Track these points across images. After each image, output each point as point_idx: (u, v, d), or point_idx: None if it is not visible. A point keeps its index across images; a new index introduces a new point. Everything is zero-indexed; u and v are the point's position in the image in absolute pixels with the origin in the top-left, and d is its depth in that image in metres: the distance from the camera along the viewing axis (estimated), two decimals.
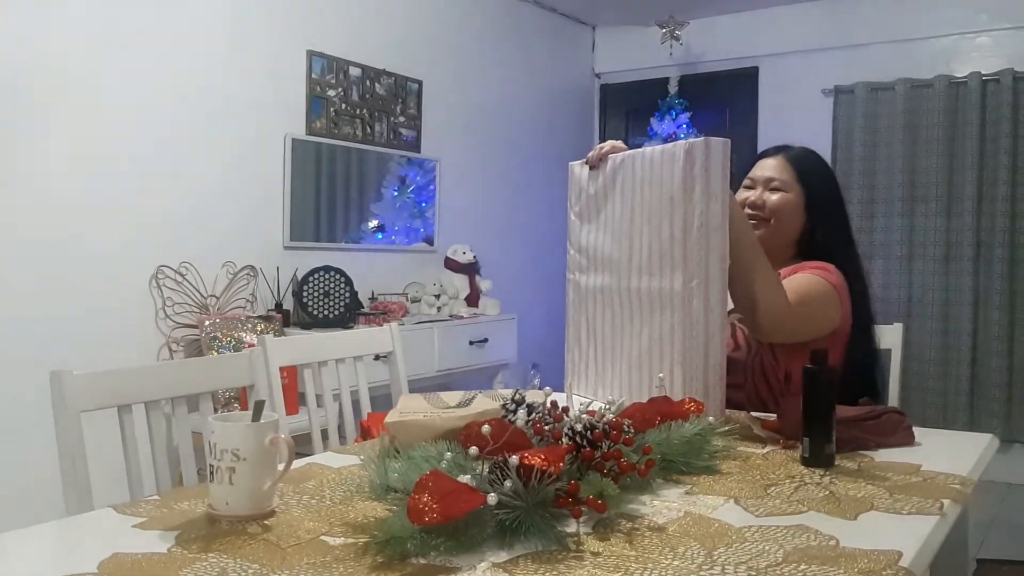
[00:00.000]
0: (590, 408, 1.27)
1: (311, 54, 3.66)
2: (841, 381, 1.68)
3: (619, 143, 1.81)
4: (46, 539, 1.09)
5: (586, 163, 1.85)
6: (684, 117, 5.04)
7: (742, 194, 1.98)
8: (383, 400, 2.04)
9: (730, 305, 1.72)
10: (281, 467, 1.15)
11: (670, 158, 1.64)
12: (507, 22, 4.85)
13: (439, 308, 4.03)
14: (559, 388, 1.64)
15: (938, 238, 4.58)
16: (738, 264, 1.66)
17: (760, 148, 5.44)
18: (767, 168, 1.95)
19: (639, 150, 1.74)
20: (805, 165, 1.95)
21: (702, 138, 1.59)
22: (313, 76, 3.67)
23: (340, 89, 3.79)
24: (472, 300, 4.15)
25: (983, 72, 4.46)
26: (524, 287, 4.78)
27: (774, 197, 1.92)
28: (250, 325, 3.21)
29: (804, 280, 1.82)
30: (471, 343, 3.95)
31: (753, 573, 0.92)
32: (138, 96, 3.05)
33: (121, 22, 3.00)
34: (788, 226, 1.93)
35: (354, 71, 3.86)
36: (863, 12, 4.78)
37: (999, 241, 4.43)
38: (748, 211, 1.93)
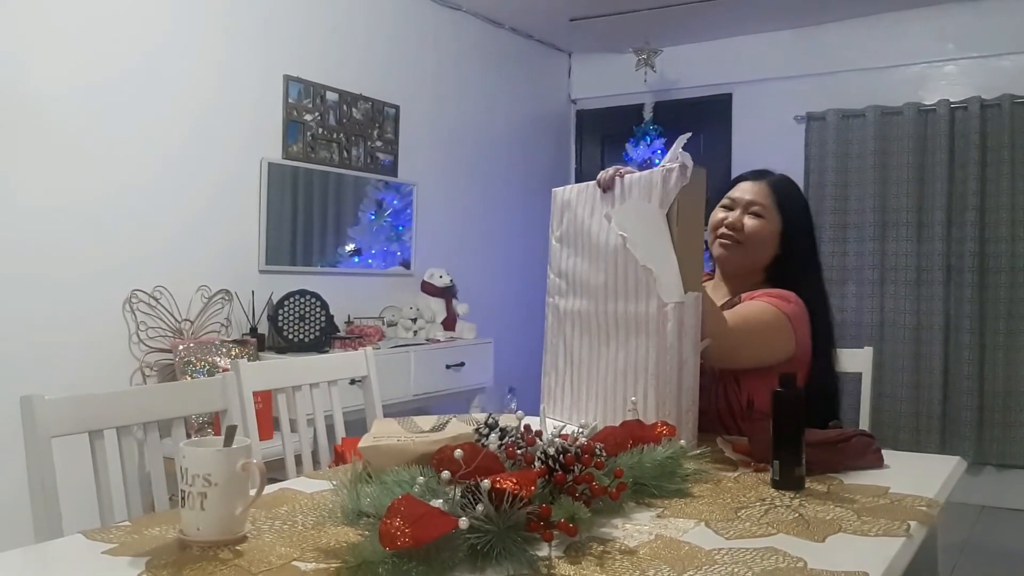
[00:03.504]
0: (563, 432, 1.28)
1: (288, 79, 3.67)
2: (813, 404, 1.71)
3: (628, 168, 1.81)
4: (14, 566, 1.08)
5: (598, 184, 1.81)
6: (659, 143, 5.08)
7: (718, 214, 1.98)
8: (358, 425, 2.04)
9: None
10: (253, 492, 1.14)
11: (648, 184, 1.66)
12: (484, 48, 4.90)
13: (415, 332, 4.03)
14: (535, 412, 1.64)
15: (909, 262, 4.64)
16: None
17: (734, 173, 5.50)
18: (748, 191, 1.95)
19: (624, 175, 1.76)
20: (785, 194, 1.95)
21: (678, 164, 1.61)
22: (290, 100, 3.68)
23: (317, 113, 3.80)
24: (449, 324, 4.16)
25: (951, 100, 4.54)
26: (501, 311, 4.79)
27: (752, 222, 1.92)
28: (224, 349, 3.20)
29: (754, 307, 1.83)
30: (448, 367, 3.95)
31: None
32: (113, 120, 3.04)
33: (95, 48, 2.99)
34: (760, 252, 1.94)
35: (331, 95, 3.87)
36: (834, 41, 4.87)
37: (968, 266, 4.49)
38: (723, 231, 1.94)
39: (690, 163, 1.59)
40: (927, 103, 4.62)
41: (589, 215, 1.84)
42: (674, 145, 1.63)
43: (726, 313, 1.82)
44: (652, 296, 1.64)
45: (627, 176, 1.74)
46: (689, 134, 1.65)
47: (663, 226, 1.61)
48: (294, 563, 1.03)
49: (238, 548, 1.09)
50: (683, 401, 1.61)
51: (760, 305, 1.83)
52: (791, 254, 1.93)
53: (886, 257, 4.71)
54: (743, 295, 1.91)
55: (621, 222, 1.72)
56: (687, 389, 1.61)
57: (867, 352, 2.27)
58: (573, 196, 1.91)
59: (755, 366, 1.79)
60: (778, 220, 1.93)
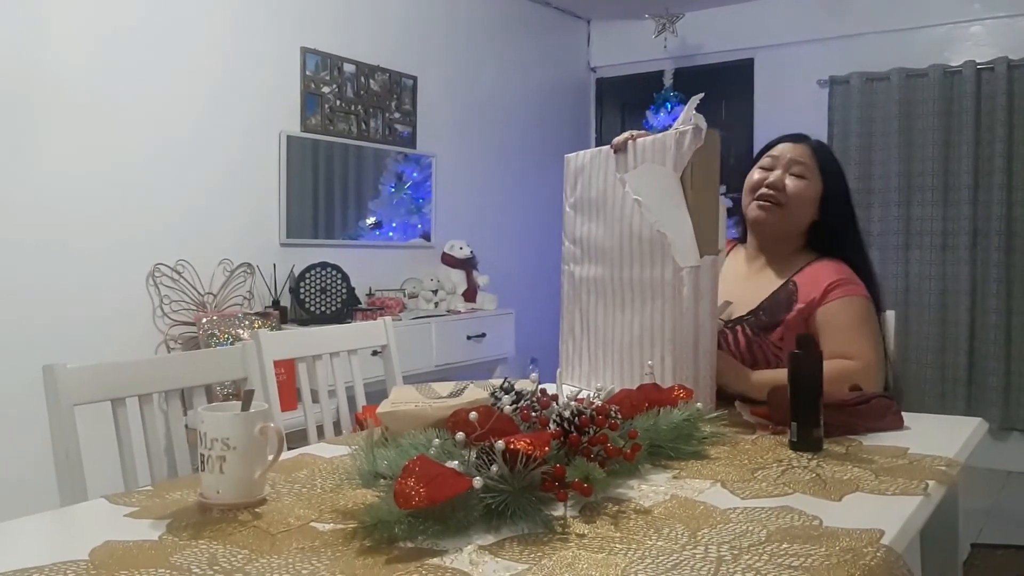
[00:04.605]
0: (579, 396, 1.29)
1: (305, 51, 3.66)
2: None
3: (643, 132, 1.78)
4: (40, 528, 1.11)
5: (612, 148, 1.79)
6: (680, 110, 5.04)
7: (755, 175, 1.91)
8: (379, 395, 2.04)
9: (721, 301, 1.72)
10: (271, 456, 1.16)
11: (661, 147, 1.65)
12: (501, 17, 4.86)
13: (436, 303, 4.04)
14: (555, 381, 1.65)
15: (935, 227, 4.58)
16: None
17: (757, 140, 5.43)
18: (790, 151, 1.90)
19: (638, 139, 1.74)
20: (827, 158, 1.91)
21: (691, 126, 1.59)
22: (307, 73, 3.67)
23: (334, 86, 3.80)
24: (469, 295, 4.16)
25: (978, 61, 4.45)
26: (521, 281, 4.79)
27: (795, 182, 1.86)
28: (247, 322, 3.22)
29: (849, 313, 1.78)
30: (469, 338, 3.96)
31: (736, 552, 0.93)
32: (133, 95, 3.06)
33: (116, 22, 3.00)
34: (801, 215, 1.89)
35: (348, 67, 3.86)
36: (857, 2, 4.78)
37: (995, 229, 4.43)
38: (764, 191, 1.88)
39: (703, 125, 1.57)
40: (953, 65, 4.53)
41: (603, 180, 1.82)
42: (687, 107, 1.61)
43: (838, 336, 1.76)
44: (667, 261, 1.63)
45: (640, 139, 1.72)
46: (702, 95, 1.62)
47: (678, 189, 1.60)
48: (312, 524, 1.05)
49: (257, 511, 1.10)
50: (700, 365, 1.61)
51: (850, 304, 1.79)
52: (831, 220, 1.89)
53: (911, 222, 4.65)
54: (798, 283, 1.86)
55: (635, 186, 1.71)
56: (704, 352, 1.61)
57: (890, 316, 2.24)
58: (587, 161, 1.89)
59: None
60: (820, 183, 1.88)
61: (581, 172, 1.91)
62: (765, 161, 1.92)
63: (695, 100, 1.62)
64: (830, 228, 1.90)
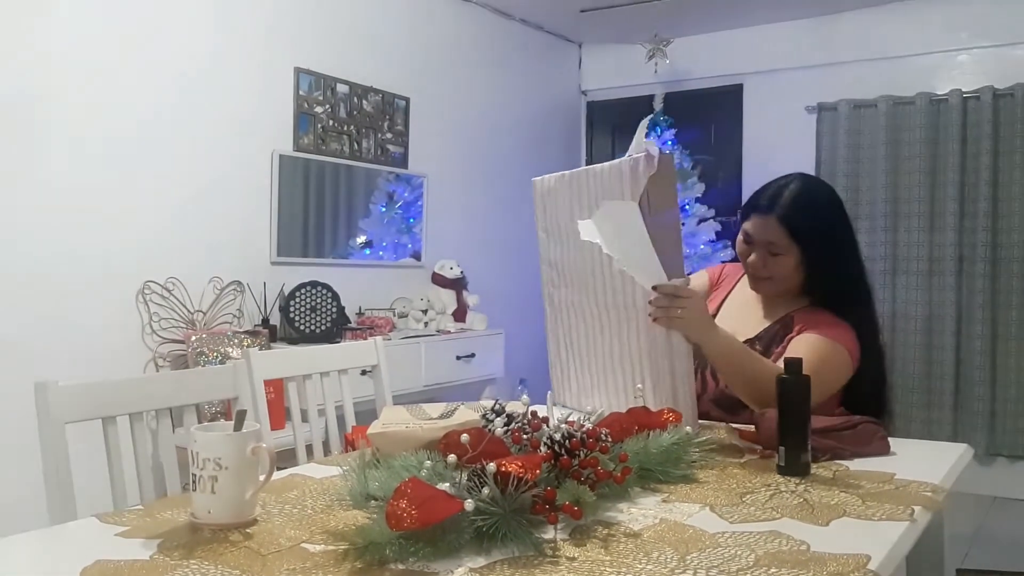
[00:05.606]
0: (569, 418, 1.30)
1: (299, 71, 3.69)
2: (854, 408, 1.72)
3: None
4: (30, 547, 1.11)
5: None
6: (669, 134, 5.08)
7: (740, 246, 1.95)
8: (369, 415, 2.04)
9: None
10: (263, 476, 1.16)
11: (617, 175, 1.65)
12: (494, 40, 4.90)
13: (426, 323, 4.05)
14: (545, 402, 1.65)
15: (921, 253, 4.62)
16: (730, 367, 1.70)
17: (745, 164, 5.46)
18: (761, 230, 1.90)
19: (590, 167, 1.75)
20: (798, 222, 1.87)
21: (643, 154, 1.61)
22: (301, 93, 3.70)
23: (327, 106, 3.82)
24: (459, 315, 4.17)
25: (964, 89, 4.52)
26: (511, 302, 4.80)
27: (773, 262, 1.89)
28: (237, 340, 3.22)
29: (815, 350, 1.75)
30: (458, 358, 3.96)
31: None
32: (126, 112, 3.07)
33: (109, 41, 3.02)
34: (790, 282, 1.91)
35: (341, 88, 3.89)
36: (845, 30, 4.85)
37: (980, 256, 4.47)
38: (750, 271, 1.94)
39: (655, 151, 1.58)
40: (939, 93, 4.59)
41: (569, 205, 1.80)
42: (637, 133, 1.62)
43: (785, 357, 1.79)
44: (637, 284, 1.65)
45: (597, 167, 1.72)
46: (649, 117, 1.64)
47: (637, 217, 1.60)
48: (303, 545, 1.05)
49: (248, 531, 1.10)
50: (678, 386, 1.63)
51: (819, 343, 1.78)
52: (819, 276, 1.90)
53: (898, 247, 4.69)
54: (795, 317, 1.89)
55: (590, 232, 1.71)
56: (681, 374, 1.63)
57: None
58: (553, 185, 1.86)
59: (824, 399, 1.74)
60: (797, 251, 1.88)
61: (548, 196, 1.88)
62: (744, 236, 1.94)
63: (643, 125, 1.64)
64: (822, 282, 1.90)
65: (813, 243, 1.88)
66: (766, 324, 1.93)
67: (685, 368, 1.63)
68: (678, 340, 1.62)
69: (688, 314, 1.63)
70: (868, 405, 1.81)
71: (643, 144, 1.59)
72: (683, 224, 4.66)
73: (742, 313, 2.00)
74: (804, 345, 1.78)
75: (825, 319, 1.85)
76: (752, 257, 1.92)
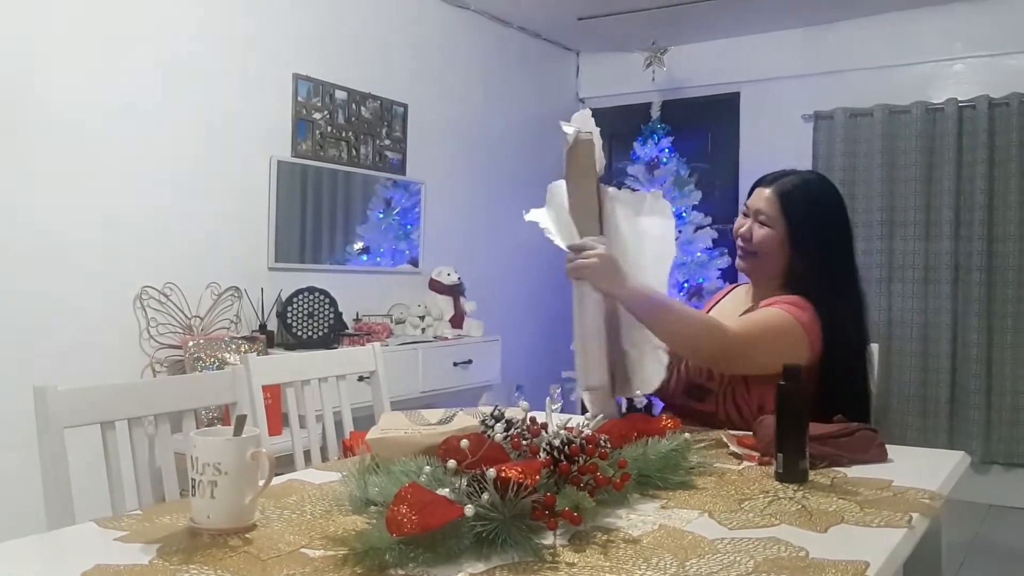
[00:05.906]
0: (568, 424, 1.30)
1: (297, 77, 3.69)
2: (836, 409, 1.71)
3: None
4: (29, 552, 1.10)
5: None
6: (667, 141, 5.08)
7: (736, 220, 2.00)
8: (366, 421, 2.05)
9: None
10: (262, 481, 1.16)
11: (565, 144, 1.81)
12: (492, 47, 4.91)
13: (423, 329, 4.05)
14: (542, 408, 1.65)
15: (917, 261, 4.64)
16: (651, 318, 1.74)
17: (742, 172, 5.48)
18: (758, 199, 1.93)
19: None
20: (793, 199, 1.90)
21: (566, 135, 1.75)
22: (299, 99, 3.70)
23: (326, 112, 3.82)
24: (456, 321, 4.17)
25: (960, 98, 4.54)
26: (508, 309, 4.80)
27: (759, 232, 1.91)
28: (234, 346, 3.22)
29: (764, 313, 1.84)
30: (455, 364, 3.96)
31: None
32: (124, 117, 3.07)
33: (106, 44, 3.02)
34: (772, 260, 1.92)
35: (340, 94, 3.89)
36: (842, 39, 4.87)
37: (976, 264, 4.49)
38: (738, 241, 1.97)
39: (570, 130, 1.76)
40: (935, 102, 4.61)
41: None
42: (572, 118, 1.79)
43: (739, 319, 1.83)
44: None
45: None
46: (579, 112, 1.83)
47: (563, 191, 1.81)
48: (302, 550, 1.05)
49: (247, 536, 1.10)
50: (588, 339, 1.73)
51: (771, 311, 1.83)
52: (801, 260, 1.90)
53: (894, 256, 4.71)
54: (761, 303, 1.91)
55: (536, 216, 1.90)
56: (590, 328, 1.74)
57: (872, 349, 2.27)
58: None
59: (769, 372, 1.74)
60: (784, 228, 1.89)
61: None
62: (743, 208, 1.99)
63: (575, 117, 1.81)
64: (801, 267, 1.91)
65: (801, 226, 1.89)
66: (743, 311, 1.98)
67: (594, 322, 1.72)
68: (588, 291, 1.73)
69: (594, 263, 1.71)
70: (850, 407, 1.80)
71: (565, 128, 1.79)
72: (679, 232, 4.67)
73: (726, 310, 2.06)
74: (759, 313, 1.85)
75: (791, 299, 1.86)
76: (743, 228, 1.96)
